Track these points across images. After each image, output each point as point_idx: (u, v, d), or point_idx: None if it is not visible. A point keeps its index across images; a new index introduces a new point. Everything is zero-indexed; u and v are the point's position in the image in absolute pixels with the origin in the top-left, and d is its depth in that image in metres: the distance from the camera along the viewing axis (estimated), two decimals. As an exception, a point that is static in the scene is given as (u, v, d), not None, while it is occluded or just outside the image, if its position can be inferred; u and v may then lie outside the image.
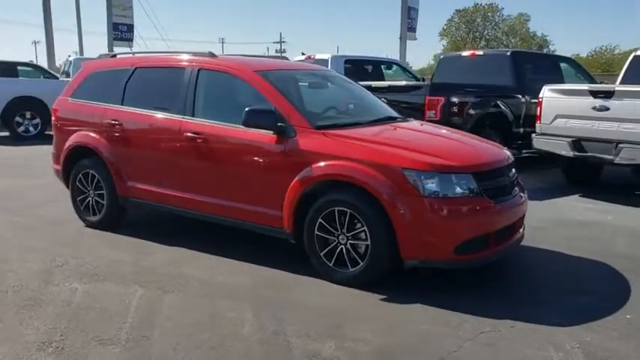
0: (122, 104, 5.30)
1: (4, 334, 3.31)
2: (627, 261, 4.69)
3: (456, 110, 7.81)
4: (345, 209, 4.00)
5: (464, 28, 62.66)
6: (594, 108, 6.90)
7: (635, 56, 8.59)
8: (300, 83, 5.03)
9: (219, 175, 4.64)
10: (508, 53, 9.25)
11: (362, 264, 3.98)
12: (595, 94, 6.94)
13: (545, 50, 56.06)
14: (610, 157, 6.79)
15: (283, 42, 64.67)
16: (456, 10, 62.00)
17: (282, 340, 3.25)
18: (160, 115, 4.99)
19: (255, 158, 4.42)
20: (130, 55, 5.71)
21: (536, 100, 8.75)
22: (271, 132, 4.32)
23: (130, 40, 21.70)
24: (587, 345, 3.21)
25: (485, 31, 62.57)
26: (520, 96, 8.80)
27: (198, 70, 4.88)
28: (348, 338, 3.27)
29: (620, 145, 6.67)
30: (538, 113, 7.61)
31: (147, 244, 5.07)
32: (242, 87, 4.73)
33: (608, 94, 6.79)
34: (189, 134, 4.72)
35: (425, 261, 3.88)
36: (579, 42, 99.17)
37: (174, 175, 4.89)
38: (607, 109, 6.79)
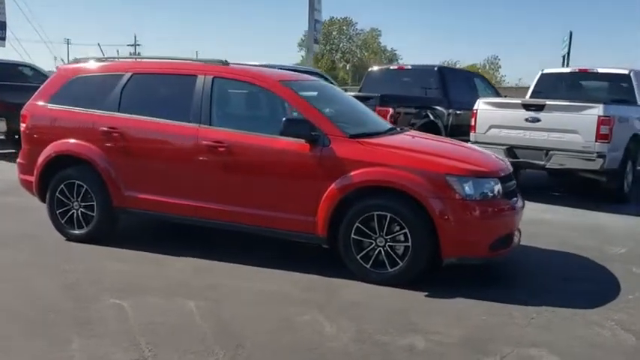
0: (118, 111, 5.07)
1: (94, 355, 3.13)
2: (593, 251, 5.46)
3: (401, 120, 8.35)
4: (385, 213, 4.25)
5: (321, 40, 65.00)
6: (527, 119, 7.80)
7: (542, 74, 9.78)
8: (312, 93, 5.18)
9: (245, 183, 4.65)
10: (435, 68, 10.04)
11: (401, 264, 4.25)
12: (527, 107, 7.85)
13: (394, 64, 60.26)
14: (541, 162, 7.72)
15: (138, 45, 61.95)
16: None
17: (371, 338, 3.43)
18: (169, 122, 4.86)
19: (286, 166, 4.51)
20: (122, 61, 5.44)
21: (460, 112, 9.65)
22: (303, 140, 4.44)
23: (2, 38, 19.81)
24: (621, 322, 3.78)
25: (341, 44, 65.37)
26: (447, 107, 9.60)
27: (213, 78, 4.83)
28: (428, 332, 3.53)
29: (551, 152, 7.63)
30: (472, 123, 8.39)
31: (148, 255, 4.89)
32: (266, 96, 4.79)
33: (539, 107, 7.73)
34: (208, 142, 4.67)
35: (463, 258, 4.26)
36: (424, 56, 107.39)
37: (188, 183, 4.79)
38: (538, 120, 7.72)
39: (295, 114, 4.58)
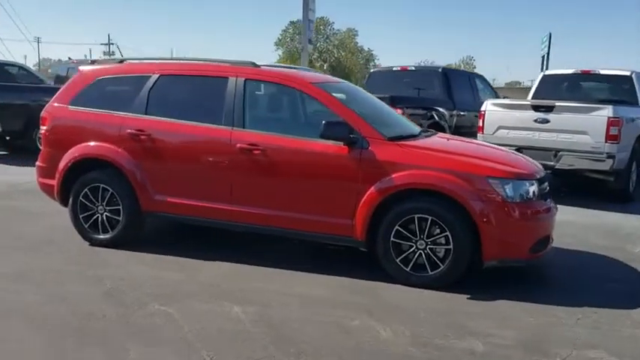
0: (146, 113, 4.98)
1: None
2: (616, 251, 5.53)
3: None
4: (426, 216, 4.25)
5: (298, 39, 64.54)
6: (535, 120, 7.89)
7: (544, 75, 9.90)
8: (342, 95, 5.15)
9: (281, 186, 4.61)
10: (439, 70, 10.09)
11: (443, 267, 4.26)
12: (536, 108, 7.93)
13: (371, 63, 60.65)
14: (551, 163, 7.80)
15: (112, 44, 60.94)
16: (290, 22, 63.56)
17: (430, 342, 3.42)
18: (201, 125, 4.79)
19: (324, 169, 4.48)
20: (147, 62, 5.34)
21: (463, 113, 9.71)
22: (341, 143, 4.42)
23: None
24: (666, 321, 3.84)
25: (319, 44, 65.22)
26: (451, 108, 9.66)
27: (245, 80, 4.78)
28: (482, 334, 3.54)
29: (560, 153, 7.72)
30: (480, 124, 8.45)
31: (177, 259, 4.81)
32: (298, 98, 4.75)
33: (549, 109, 7.81)
34: (242, 145, 4.61)
35: (504, 260, 4.28)
36: (400, 56, 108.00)
37: (222, 186, 4.73)
38: (547, 121, 7.81)
39: (333, 116, 4.53)
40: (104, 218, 5.11)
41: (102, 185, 5.06)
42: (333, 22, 65.09)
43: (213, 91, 4.87)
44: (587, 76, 9.52)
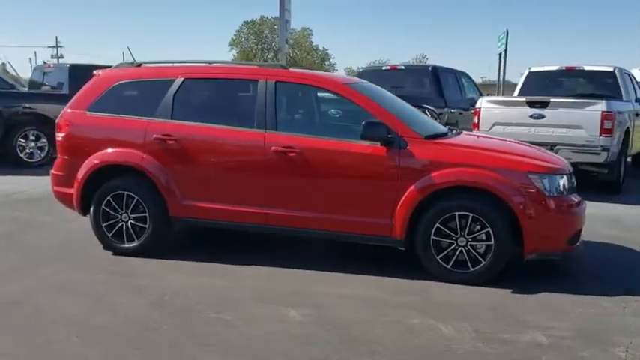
0: (172, 118, 4.88)
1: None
2: (629, 242, 5.72)
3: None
4: (466, 213, 4.31)
5: (252, 39, 64.07)
6: (531, 116, 8.10)
7: (529, 72, 10.15)
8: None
9: (317, 188, 4.60)
10: (429, 68, 10.23)
11: (484, 263, 4.33)
12: (531, 104, 8.14)
13: (326, 63, 60.84)
14: None
15: (60, 47, 59.14)
16: (244, 22, 63.11)
17: (494, 337, 3.48)
18: (231, 128, 4.73)
19: (363, 169, 4.50)
20: (169, 65, 5.22)
21: (454, 110, 9.88)
22: (378, 143, 4.44)
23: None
24: None
25: (273, 43, 64.93)
26: (442, 105, 9.81)
27: (276, 82, 4.74)
28: (540, 327, 3.62)
29: (556, 147, 7.93)
30: (476, 121, 8.62)
31: (213, 266, 4.74)
32: (330, 100, 4.74)
33: (544, 104, 8.03)
34: (277, 148, 4.57)
35: (543, 253, 4.39)
36: (354, 56, 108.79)
37: (257, 190, 4.68)
38: (543, 117, 8.04)
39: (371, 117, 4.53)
40: (129, 226, 4.98)
41: (126, 192, 4.94)
42: (287, 21, 64.71)
43: (242, 94, 4.82)
44: (571, 72, 9.82)
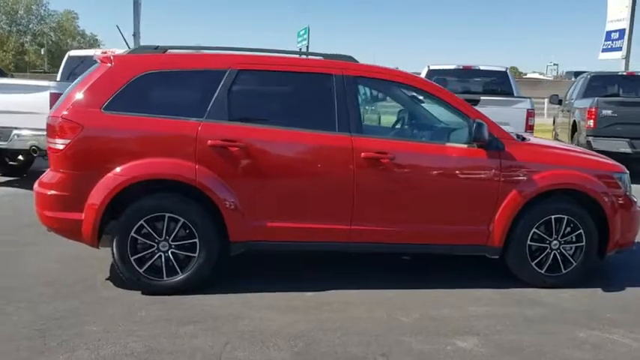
0: (229, 119, 3.93)
1: None
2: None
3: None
4: (562, 216, 4.26)
5: (5, 19, 56.51)
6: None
7: (429, 69, 10.55)
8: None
9: (411, 198, 4.12)
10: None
11: (575, 264, 4.33)
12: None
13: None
14: None
15: None
16: None
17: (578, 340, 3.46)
18: (312, 132, 3.98)
19: (462, 174, 4.16)
20: (213, 52, 4.11)
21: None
22: (475, 145, 4.14)
23: None
24: None
25: (31, 25, 58.11)
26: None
27: (355, 77, 4.10)
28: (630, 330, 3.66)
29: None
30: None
31: (288, 295, 3.98)
32: (417, 99, 4.28)
33: (474, 102, 8.40)
34: (368, 154, 3.98)
35: (620, 250, 4.53)
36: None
37: (340, 203, 4.02)
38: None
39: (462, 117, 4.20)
40: (169, 256, 3.91)
41: (168, 214, 3.86)
42: (48, 3, 57.76)
43: (315, 91, 4.09)
44: (468, 71, 10.48)
